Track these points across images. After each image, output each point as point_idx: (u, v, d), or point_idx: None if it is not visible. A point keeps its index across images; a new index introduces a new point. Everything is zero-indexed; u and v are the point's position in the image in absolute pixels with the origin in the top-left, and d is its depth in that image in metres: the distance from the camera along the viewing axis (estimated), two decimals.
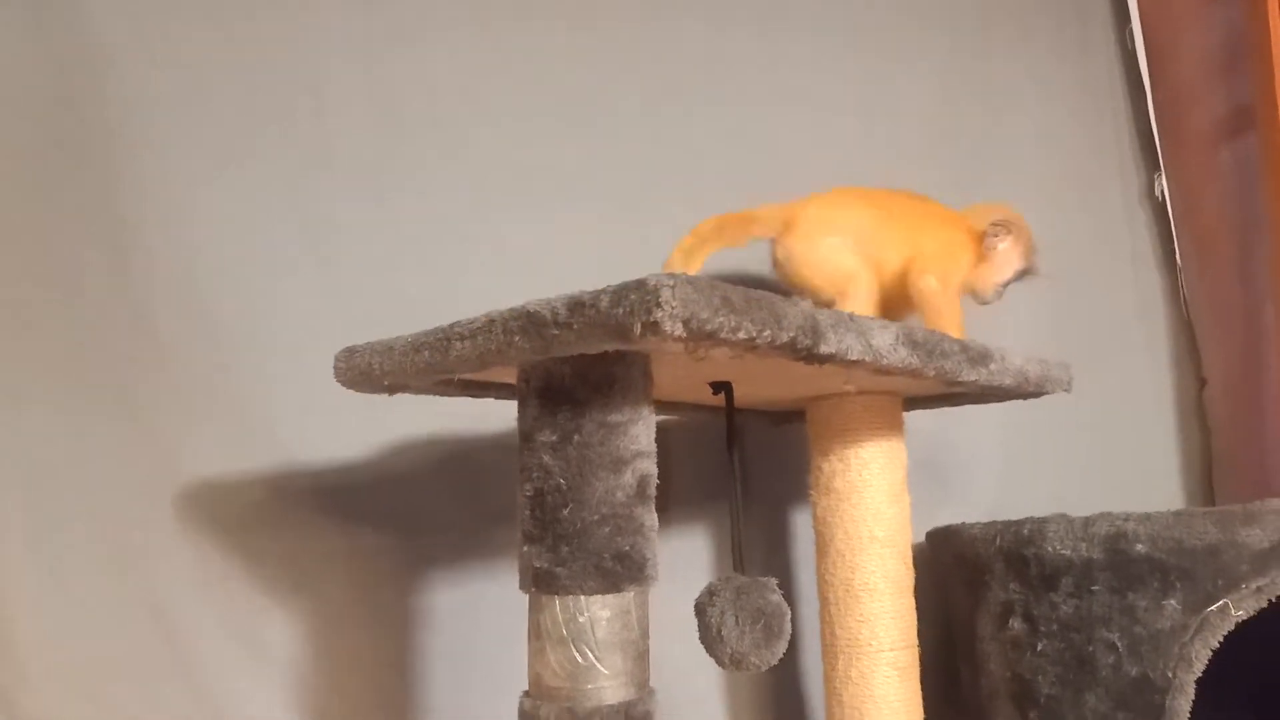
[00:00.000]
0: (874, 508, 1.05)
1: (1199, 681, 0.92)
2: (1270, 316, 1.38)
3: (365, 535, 1.19)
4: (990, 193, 1.49)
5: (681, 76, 1.39)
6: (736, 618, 0.91)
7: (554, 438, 0.76)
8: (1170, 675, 0.92)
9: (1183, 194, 1.55)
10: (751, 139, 1.40)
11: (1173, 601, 0.93)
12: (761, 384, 0.99)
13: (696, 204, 1.34)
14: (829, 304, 1.07)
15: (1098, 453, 1.49)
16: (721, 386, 0.99)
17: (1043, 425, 1.45)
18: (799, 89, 1.44)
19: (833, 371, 0.84)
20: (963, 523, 1.13)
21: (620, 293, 0.65)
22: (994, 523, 1.07)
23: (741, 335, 0.69)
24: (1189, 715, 0.91)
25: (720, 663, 0.92)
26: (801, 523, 1.32)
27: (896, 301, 1.13)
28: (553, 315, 0.69)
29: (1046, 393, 1.06)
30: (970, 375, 0.92)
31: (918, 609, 1.18)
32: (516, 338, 0.72)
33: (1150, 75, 1.60)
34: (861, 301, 1.08)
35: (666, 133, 1.37)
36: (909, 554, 1.07)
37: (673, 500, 1.29)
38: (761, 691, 1.30)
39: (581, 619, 0.75)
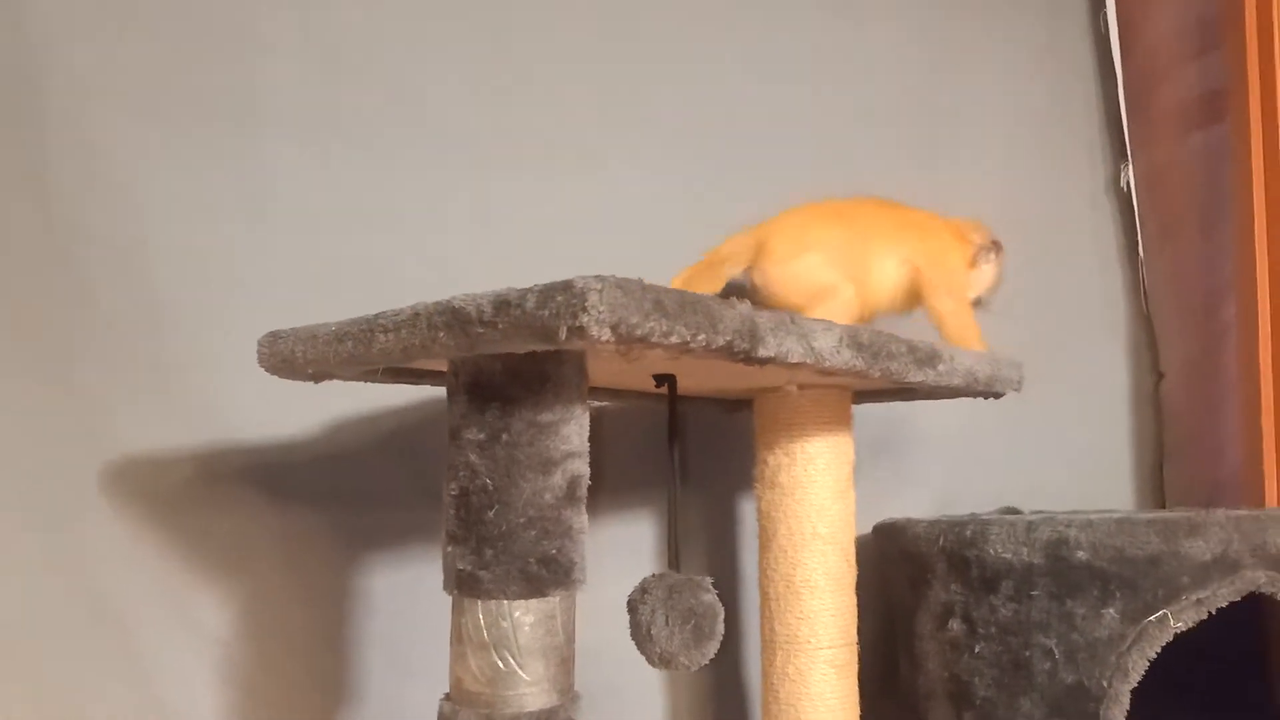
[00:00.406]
0: (818, 504, 1.04)
1: (1138, 689, 0.92)
2: (1232, 310, 1.37)
3: (303, 515, 1.16)
4: (955, 178, 1.47)
5: (642, 32, 1.34)
6: (667, 617, 0.89)
7: (481, 436, 0.73)
8: (1106, 684, 0.91)
9: (1149, 181, 1.53)
10: (713, 101, 1.37)
11: (1112, 610, 0.92)
12: (707, 377, 0.96)
13: (655, 165, 1.32)
14: None
15: (1052, 444, 1.49)
16: (665, 379, 0.97)
17: (998, 415, 1.43)
18: (764, 56, 1.40)
19: (775, 371, 0.82)
20: (909, 519, 1.12)
21: (547, 294, 0.62)
22: (939, 521, 1.06)
23: (674, 340, 0.67)
24: None
25: (650, 661, 0.90)
26: (749, 513, 1.30)
27: (887, 312, 1.11)
28: (478, 313, 0.66)
29: (997, 392, 1.04)
30: (918, 376, 0.90)
31: (862, 601, 1.17)
32: (441, 334, 0.69)
33: (1122, 58, 1.57)
34: (838, 315, 1.04)
35: (627, 92, 1.33)
36: (852, 551, 1.05)
37: (618, 486, 1.27)
38: (703, 683, 1.29)
39: (504, 624, 0.73)
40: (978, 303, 1.14)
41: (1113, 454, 1.53)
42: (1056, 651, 0.94)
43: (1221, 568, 0.91)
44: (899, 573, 1.12)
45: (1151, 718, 1.15)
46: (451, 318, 0.68)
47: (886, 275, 1.08)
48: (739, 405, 1.20)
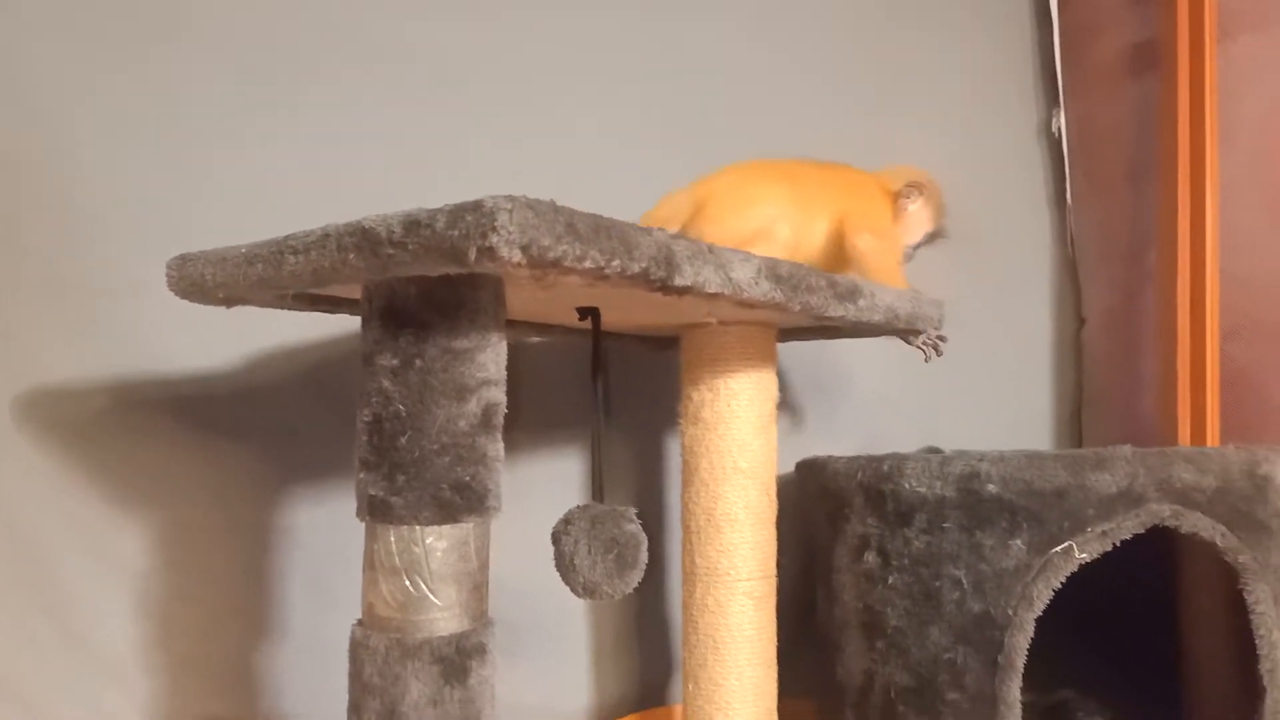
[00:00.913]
0: (740, 439, 1.05)
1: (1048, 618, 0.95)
2: (1153, 260, 1.40)
3: (225, 447, 1.14)
4: (887, 120, 1.47)
5: None
6: (590, 547, 0.90)
7: (395, 362, 0.72)
8: (1011, 613, 0.94)
9: (1081, 131, 1.55)
10: (656, 49, 1.36)
11: (1019, 542, 0.94)
12: (629, 311, 0.96)
13: (598, 100, 1.30)
14: None
15: (976, 387, 1.51)
16: (588, 312, 0.96)
17: (919, 355, 1.46)
18: (705, 4, 1.39)
19: (694, 302, 0.82)
20: (829, 456, 1.13)
21: (456, 213, 0.61)
22: (857, 458, 1.08)
23: (588, 264, 0.66)
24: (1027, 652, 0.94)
25: (574, 591, 0.91)
26: (677, 449, 1.31)
27: (829, 268, 1.11)
28: (388, 234, 0.65)
29: (919, 330, 1.05)
30: (837, 311, 0.91)
31: (785, 538, 1.19)
32: (351, 255, 0.67)
33: (1059, 7, 1.58)
34: (777, 249, 1.05)
35: (576, 27, 1.31)
36: (772, 486, 1.07)
37: (547, 421, 1.27)
38: (627, 616, 1.30)
39: (416, 549, 0.72)
40: (911, 252, 1.16)
41: (1035, 398, 1.57)
42: (965, 582, 0.96)
43: (1126, 501, 0.93)
44: (819, 508, 1.14)
45: (1057, 646, 1.20)
46: (361, 238, 0.66)
47: (818, 233, 1.09)
48: (667, 343, 1.20)
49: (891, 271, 1.08)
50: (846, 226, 1.09)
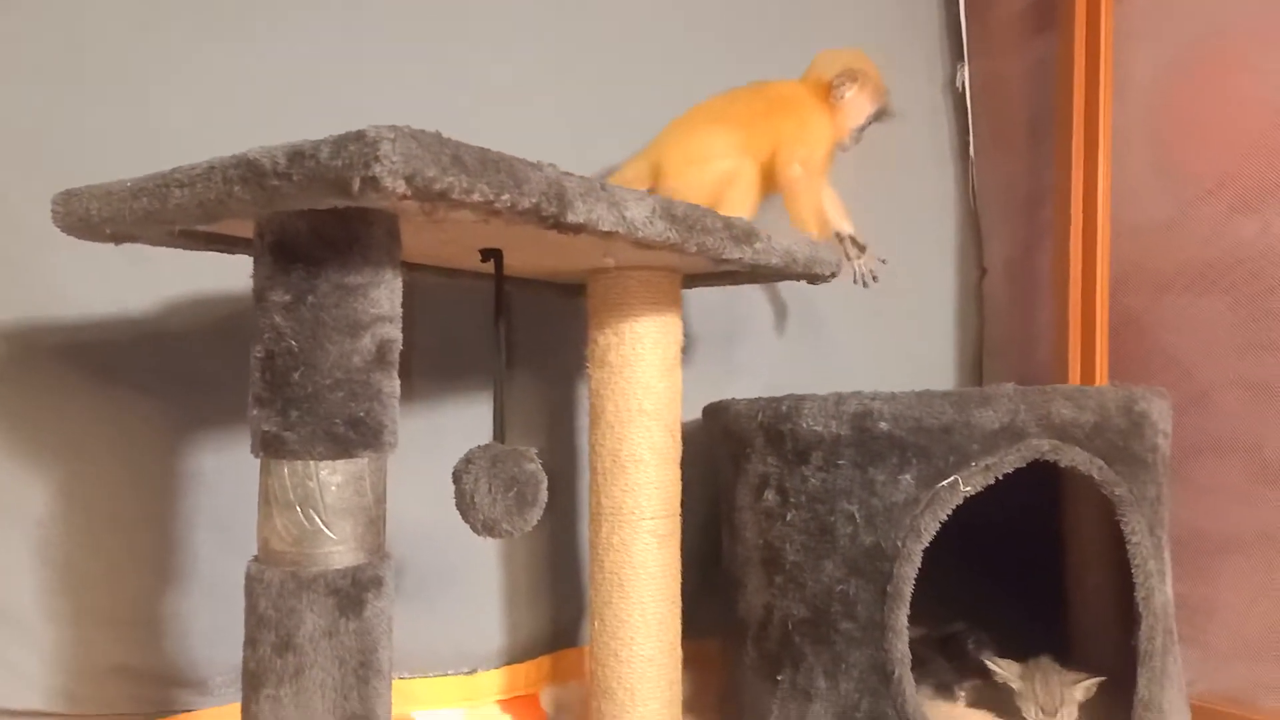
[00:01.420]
0: (644, 381, 1.06)
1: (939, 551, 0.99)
2: (1050, 210, 1.44)
3: (128, 395, 1.12)
4: (794, 75, 1.49)
5: None
6: (490, 485, 0.91)
7: (287, 298, 0.72)
8: (900, 545, 0.97)
9: (985, 86, 1.58)
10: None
11: (908, 476, 0.98)
12: (532, 254, 0.97)
13: (506, 46, 1.30)
14: None
15: (882, 334, 1.55)
16: (491, 254, 0.97)
17: (829, 305, 1.49)
18: None
19: (590, 242, 0.83)
20: (733, 399, 1.16)
21: (340, 144, 0.61)
22: (758, 399, 1.10)
23: (477, 198, 0.67)
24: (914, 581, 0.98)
25: (474, 529, 0.92)
26: (588, 394, 1.33)
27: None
28: (273, 165, 0.64)
29: (816, 275, 1.08)
30: (735, 253, 0.93)
31: (694, 482, 1.22)
32: (237, 188, 0.67)
33: None
34: (743, 192, 1.12)
35: None
36: (677, 427, 1.09)
37: (460, 367, 1.27)
38: (538, 558, 1.32)
39: (310, 484, 0.73)
40: (859, 134, 1.21)
41: (939, 345, 1.61)
42: (858, 516, 0.99)
43: (1008, 436, 0.97)
44: (722, 450, 1.16)
45: (954, 583, 1.25)
46: (247, 170, 0.66)
47: (764, 159, 1.15)
48: (576, 290, 1.21)
49: (809, 200, 1.13)
50: (779, 157, 1.14)
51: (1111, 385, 1.08)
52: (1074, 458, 0.98)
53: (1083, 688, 1.06)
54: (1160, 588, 1.02)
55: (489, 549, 1.29)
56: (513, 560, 1.30)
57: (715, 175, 1.13)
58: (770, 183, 1.17)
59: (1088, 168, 1.36)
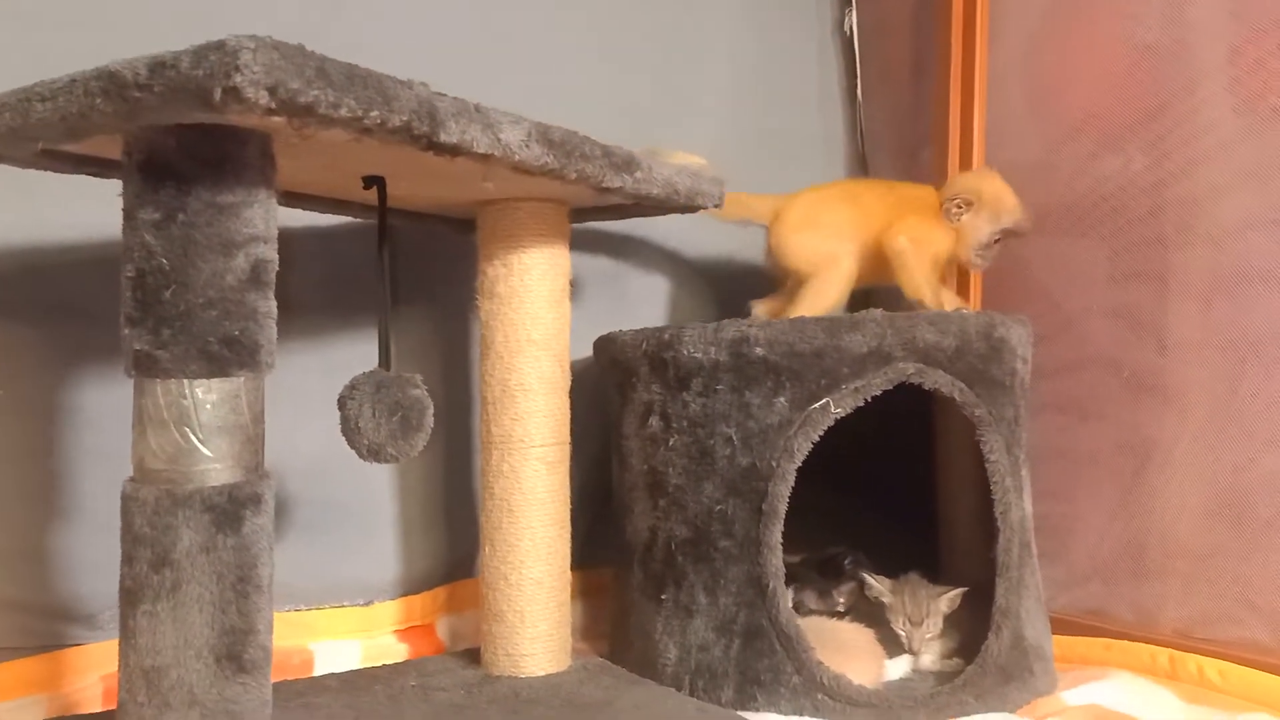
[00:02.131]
0: (533, 312, 1.08)
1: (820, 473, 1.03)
2: (928, 156, 1.50)
3: (7, 326, 1.10)
4: (684, 20, 1.51)
5: None
6: (374, 410, 0.92)
7: (157, 215, 0.72)
8: (774, 465, 1.02)
9: (872, 28, 1.62)
10: None
11: (782, 399, 1.02)
12: (416, 181, 0.97)
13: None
14: None
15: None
16: (374, 181, 0.97)
17: (717, 241, 1.52)
18: None
19: (468, 165, 0.84)
20: (620, 330, 1.18)
21: (201, 53, 0.62)
22: (643, 330, 1.13)
23: (344, 113, 0.67)
24: (788, 499, 1.02)
25: (359, 453, 0.94)
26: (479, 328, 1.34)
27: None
28: (134, 76, 0.64)
29: (699, 206, 1.10)
30: (615, 181, 0.95)
31: (591, 418, 1.25)
32: (99, 100, 0.66)
33: None
34: (836, 279, 1.22)
35: None
36: (565, 357, 1.11)
37: (357, 304, 1.27)
38: (435, 491, 1.33)
39: (185, 402, 0.73)
40: (984, 252, 1.24)
41: None
42: (735, 439, 1.04)
43: (876, 360, 1.02)
44: (611, 380, 1.19)
45: (835, 511, 1.31)
46: (109, 82, 0.66)
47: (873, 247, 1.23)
48: (470, 225, 1.22)
49: (919, 272, 1.20)
50: (889, 231, 1.21)
51: (973, 311, 1.13)
52: (937, 380, 1.03)
53: (947, 599, 1.13)
54: (1017, 503, 1.09)
55: (385, 481, 1.30)
56: (409, 492, 1.32)
57: (820, 250, 1.23)
58: (880, 268, 1.24)
59: (964, 109, 1.41)
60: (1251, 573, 1.12)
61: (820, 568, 1.25)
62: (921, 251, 1.21)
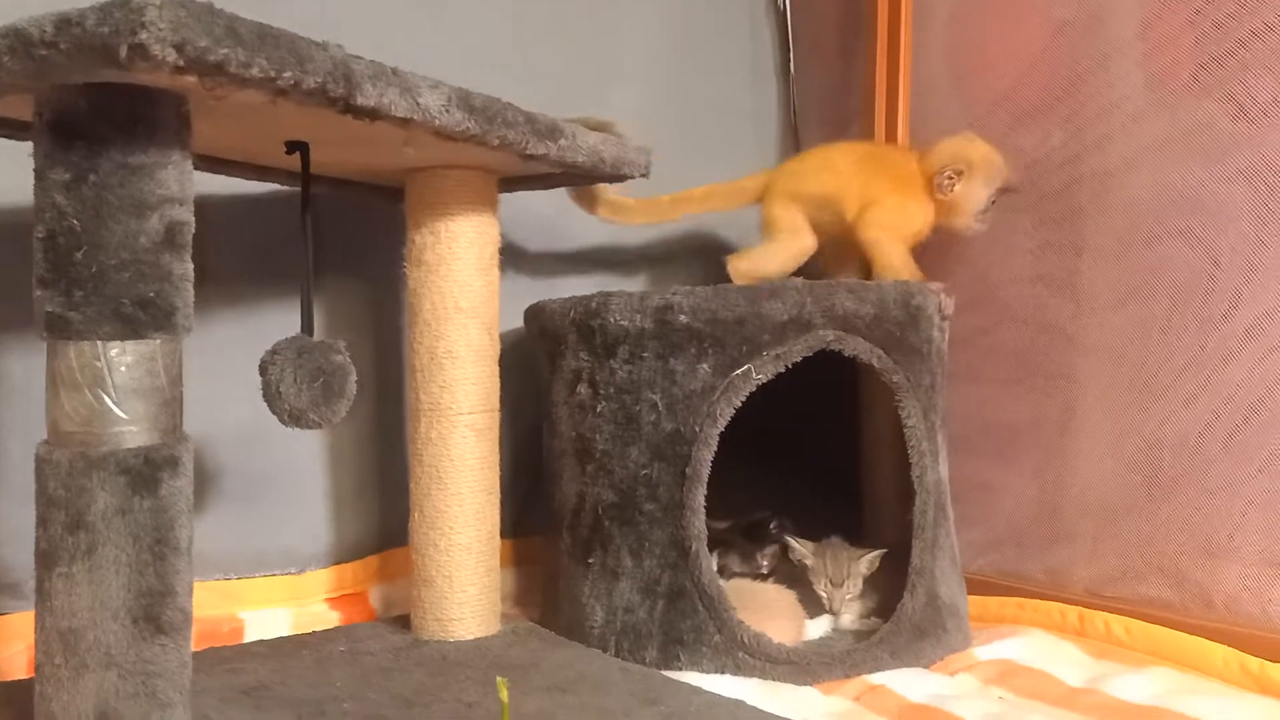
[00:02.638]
0: (461, 280, 1.09)
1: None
2: (858, 128, 1.52)
3: None
4: None
5: None
6: (296, 376, 0.92)
7: (67, 176, 0.71)
8: (698, 429, 1.04)
9: (804, 4, 1.64)
10: None
11: (705, 366, 1.04)
12: (339, 148, 0.97)
13: None
14: None
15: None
16: (297, 147, 0.97)
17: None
18: None
19: (389, 130, 0.84)
20: (549, 299, 1.19)
21: (106, 10, 0.61)
22: (571, 298, 1.14)
23: (256, 73, 0.67)
24: (711, 463, 1.04)
25: (280, 419, 0.94)
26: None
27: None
28: (40, 33, 0.64)
29: (626, 175, 1.12)
30: (539, 149, 0.95)
31: (525, 389, 1.25)
32: (6, 58, 0.66)
33: None
34: (791, 247, 1.27)
35: None
36: (494, 325, 1.12)
37: (290, 273, 1.26)
38: (366, 460, 1.33)
39: (98, 364, 0.73)
40: (981, 216, 1.26)
41: None
42: (660, 404, 1.05)
43: (796, 327, 1.04)
44: (540, 349, 1.20)
45: (760, 480, 1.34)
46: (15, 40, 0.65)
47: (851, 213, 1.26)
48: (400, 195, 1.21)
49: (893, 259, 1.23)
50: (863, 218, 1.24)
51: (891, 281, 1.16)
52: (856, 347, 1.06)
53: (866, 560, 1.16)
54: (933, 467, 1.12)
55: (316, 451, 1.30)
56: (340, 461, 1.32)
57: (792, 222, 1.28)
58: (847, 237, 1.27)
59: (889, 83, 1.43)
60: (1155, 532, 1.17)
61: (746, 533, 1.28)
62: (894, 238, 1.24)
